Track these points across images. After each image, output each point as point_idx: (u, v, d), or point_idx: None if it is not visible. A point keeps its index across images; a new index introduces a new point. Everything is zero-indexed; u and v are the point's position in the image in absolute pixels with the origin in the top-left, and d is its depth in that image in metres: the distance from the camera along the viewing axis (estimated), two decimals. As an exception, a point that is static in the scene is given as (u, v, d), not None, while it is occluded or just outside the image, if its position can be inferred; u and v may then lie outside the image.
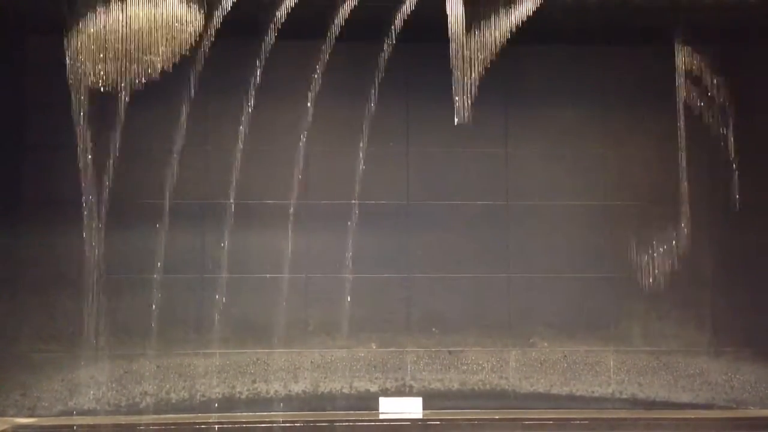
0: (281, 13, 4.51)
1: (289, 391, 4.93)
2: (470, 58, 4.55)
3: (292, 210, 4.97)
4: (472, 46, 4.53)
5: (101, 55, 4.59)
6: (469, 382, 5.00)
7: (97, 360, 4.84)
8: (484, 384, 5.01)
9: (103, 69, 4.61)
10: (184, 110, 4.88)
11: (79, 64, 4.64)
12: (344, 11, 4.51)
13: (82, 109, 4.67)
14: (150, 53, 4.56)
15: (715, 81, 5.20)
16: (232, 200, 4.95)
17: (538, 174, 5.16)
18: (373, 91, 4.91)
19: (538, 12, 4.46)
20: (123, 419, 4.72)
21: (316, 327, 5.00)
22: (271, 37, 4.60)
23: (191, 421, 4.67)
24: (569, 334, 5.06)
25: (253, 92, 4.78)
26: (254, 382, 4.93)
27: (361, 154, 5.01)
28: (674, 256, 5.10)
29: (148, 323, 4.89)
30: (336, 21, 4.54)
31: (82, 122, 4.75)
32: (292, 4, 4.48)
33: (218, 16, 4.51)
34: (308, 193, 5.03)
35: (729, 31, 5.01)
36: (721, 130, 5.18)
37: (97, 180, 4.92)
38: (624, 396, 5.03)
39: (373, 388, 4.96)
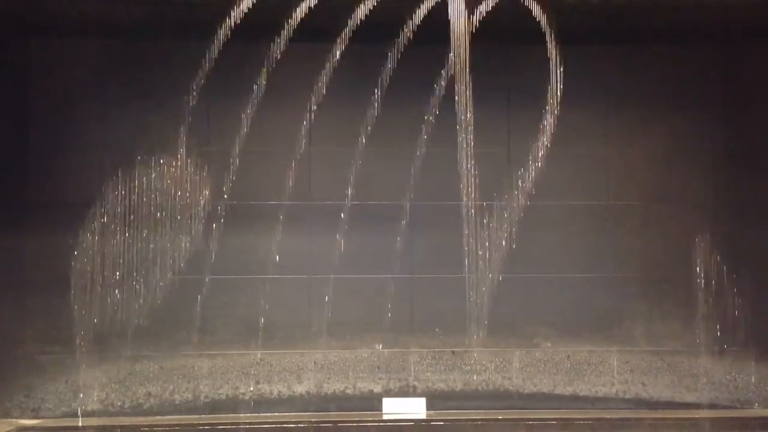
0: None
1: (293, 392, 4.94)
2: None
3: (294, 211, 4.98)
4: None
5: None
6: (472, 382, 5.00)
7: (101, 361, 4.85)
8: (487, 384, 5.01)
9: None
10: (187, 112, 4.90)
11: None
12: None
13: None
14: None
15: (718, 81, 5.21)
16: (235, 201, 4.96)
17: (541, 173, 5.15)
18: (377, 92, 4.91)
19: (540, 11, 4.47)
20: (127, 420, 4.73)
21: (320, 328, 5.00)
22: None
23: (195, 422, 4.68)
24: (573, 334, 5.06)
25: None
26: (258, 383, 4.93)
27: (362, 155, 5.02)
28: (677, 256, 5.10)
29: (152, 324, 4.90)
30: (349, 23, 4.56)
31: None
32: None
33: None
34: (311, 194, 5.03)
35: (731, 31, 5.01)
36: (723, 129, 5.18)
37: (100, 182, 4.93)
38: (628, 396, 5.03)
39: (377, 389, 4.96)
